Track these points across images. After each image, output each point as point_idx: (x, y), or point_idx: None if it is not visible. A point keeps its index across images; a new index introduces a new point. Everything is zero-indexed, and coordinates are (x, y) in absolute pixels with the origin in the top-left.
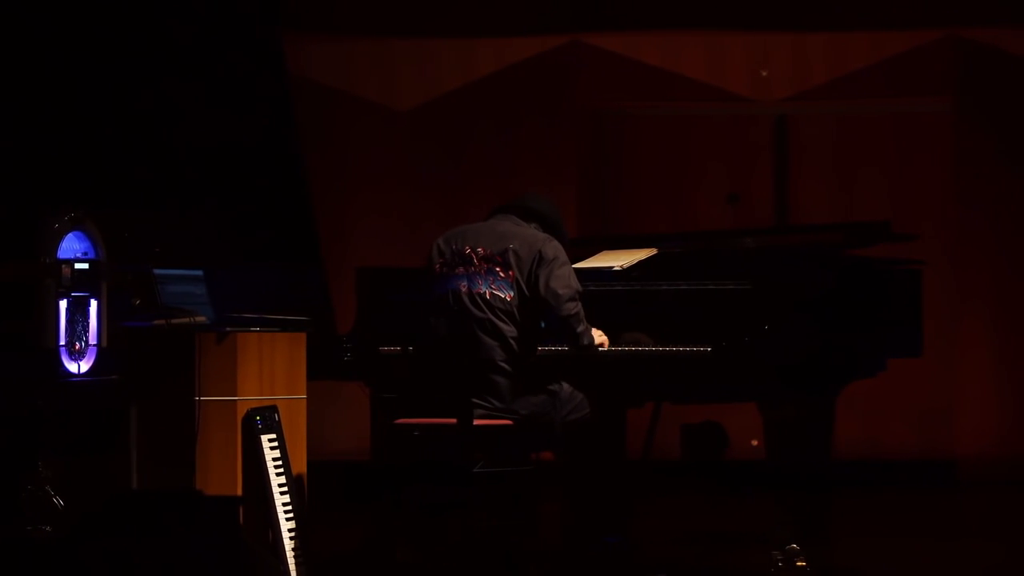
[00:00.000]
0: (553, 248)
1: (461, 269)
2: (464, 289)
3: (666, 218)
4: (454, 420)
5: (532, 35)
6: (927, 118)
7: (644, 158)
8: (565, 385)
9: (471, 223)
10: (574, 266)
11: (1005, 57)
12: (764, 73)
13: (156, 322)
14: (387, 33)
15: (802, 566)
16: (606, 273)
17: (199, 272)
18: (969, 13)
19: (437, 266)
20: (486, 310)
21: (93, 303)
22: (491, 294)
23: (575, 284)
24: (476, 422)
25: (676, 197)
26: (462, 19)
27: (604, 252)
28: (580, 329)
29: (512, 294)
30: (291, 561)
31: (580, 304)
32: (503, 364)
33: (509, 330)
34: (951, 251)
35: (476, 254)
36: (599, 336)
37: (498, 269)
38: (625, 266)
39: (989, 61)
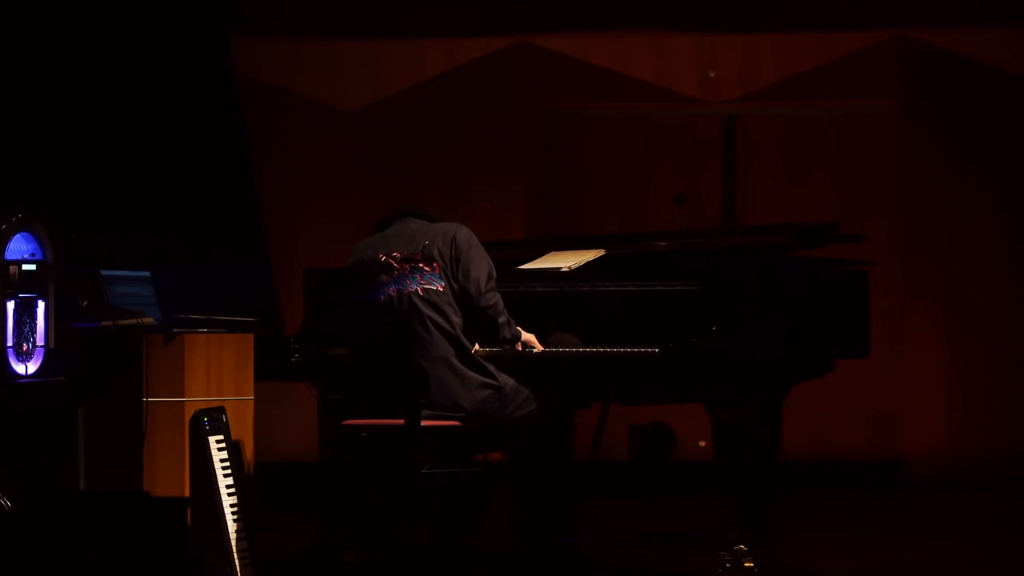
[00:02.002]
0: (465, 235)
1: (384, 276)
2: (394, 293)
3: (614, 219)
4: (401, 421)
5: (480, 36)
6: (875, 119)
7: (592, 159)
8: (509, 380)
9: (370, 236)
10: (522, 267)
11: (953, 58)
12: (712, 74)
13: (104, 323)
14: (335, 34)
15: (750, 567)
16: (554, 274)
17: (146, 273)
18: (917, 14)
19: (361, 280)
20: (421, 307)
21: (41, 304)
22: (423, 290)
23: (492, 272)
24: (424, 423)
25: (624, 198)
26: (410, 20)
27: (552, 253)
28: (501, 321)
29: (443, 284)
30: (238, 562)
31: (499, 295)
32: (449, 358)
33: (447, 323)
34: (899, 251)
35: (394, 259)
36: (527, 335)
37: (422, 265)
38: (573, 267)
39: (937, 62)
